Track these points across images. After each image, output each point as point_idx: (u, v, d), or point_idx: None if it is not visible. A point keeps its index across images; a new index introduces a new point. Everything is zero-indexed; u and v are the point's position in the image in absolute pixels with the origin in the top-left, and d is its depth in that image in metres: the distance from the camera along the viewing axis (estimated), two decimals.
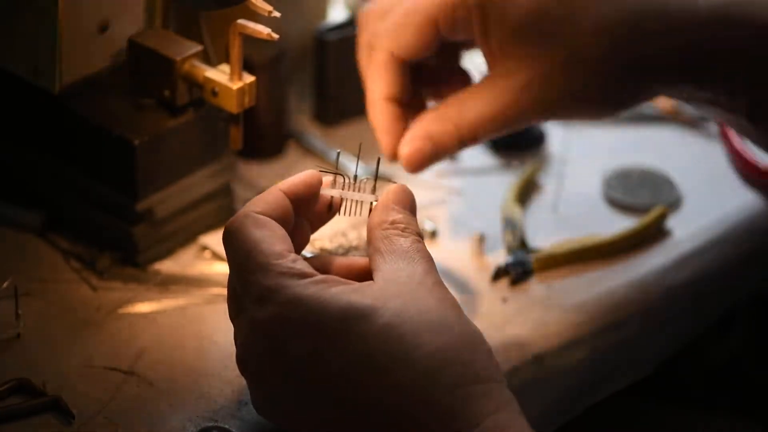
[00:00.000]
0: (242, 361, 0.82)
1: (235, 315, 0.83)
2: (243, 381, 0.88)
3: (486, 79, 0.95)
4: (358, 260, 0.88)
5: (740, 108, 0.94)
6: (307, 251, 0.92)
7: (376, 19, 0.99)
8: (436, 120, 0.96)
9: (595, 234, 1.06)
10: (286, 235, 0.82)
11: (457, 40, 0.98)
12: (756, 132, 0.96)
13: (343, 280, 0.80)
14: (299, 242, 0.87)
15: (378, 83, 0.99)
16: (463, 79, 1.02)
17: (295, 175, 0.86)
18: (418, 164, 0.97)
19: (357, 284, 0.80)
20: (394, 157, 1.00)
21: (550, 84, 0.93)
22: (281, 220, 0.83)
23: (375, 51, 0.98)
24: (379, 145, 1.00)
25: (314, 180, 0.86)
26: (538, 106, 0.94)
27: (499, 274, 1.02)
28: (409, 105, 1.00)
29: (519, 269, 1.02)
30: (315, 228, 0.89)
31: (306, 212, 0.87)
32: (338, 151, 0.93)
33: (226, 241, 0.82)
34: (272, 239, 0.81)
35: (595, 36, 0.92)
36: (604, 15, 0.92)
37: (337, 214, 0.88)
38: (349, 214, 0.88)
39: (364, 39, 1.01)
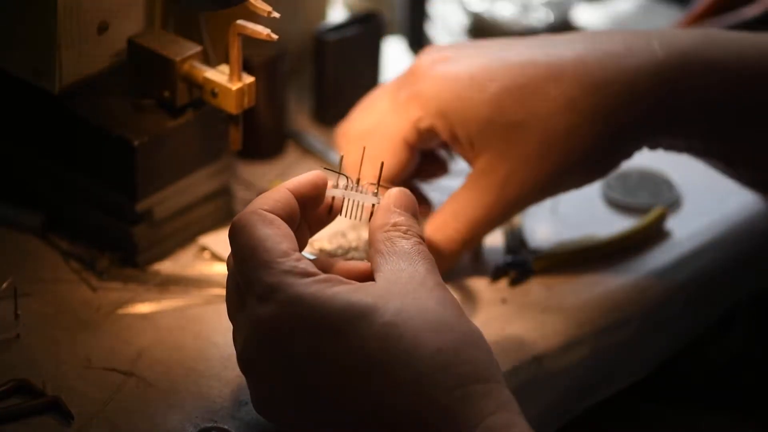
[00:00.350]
0: (243, 358, 0.82)
1: (235, 312, 0.84)
2: (242, 381, 0.88)
3: (470, 179, 0.98)
4: (359, 264, 0.88)
5: (715, 154, 0.99)
6: (307, 252, 0.92)
7: (354, 144, 1.00)
8: (436, 231, 0.99)
9: (595, 234, 1.06)
10: (292, 233, 0.83)
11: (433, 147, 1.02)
12: (737, 174, 1.00)
13: (345, 279, 0.80)
14: (299, 243, 0.87)
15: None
16: (438, 164, 1.06)
17: (302, 174, 0.86)
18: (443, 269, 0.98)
19: (358, 284, 0.81)
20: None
21: (529, 173, 0.96)
22: (288, 218, 0.83)
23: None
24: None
25: (320, 180, 0.86)
26: (525, 195, 0.97)
27: (498, 273, 1.02)
28: None
29: (519, 269, 1.02)
30: (314, 231, 0.89)
31: (308, 213, 0.87)
32: (341, 154, 0.93)
33: (233, 236, 0.83)
34: (278, 237, 0.81)
35: (562, 116, 0.95)
36: (565, 95, 0.94)
37: (339, 215, 0.88)
38: (350, 216, 0.88)
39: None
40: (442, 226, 0.99)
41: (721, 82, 0.95)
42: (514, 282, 1.02)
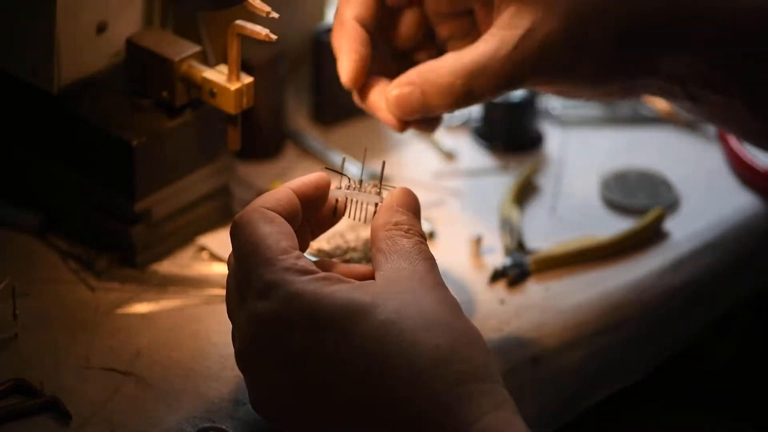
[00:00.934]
0: (241, 355, 0.82)
1: (234, 309, 0.84)
2: (241, 381, 0.88)
3: (483, 36, 0.91)
4: (358, 267, 0.88)
5: (735, 89, 0.91)
6: (307, 254, 0.92)
7: None
8: (431, 69, 0.92)
9: (593, 235, 1.06)
10: (293, 232, 0.83)
11: None
12: (753, 121, 0.93)
13: (344, 278, 0.80)
14: (300, 244, 0.88)
15: (350, 4, 0.94)
16: (431, 54, 0.99)
17: (305, 175, 0.86)
18: (407, 109, 0.92)
19: (358, 282, 0.81)
20: (352, 82, 0.95)
21: (550, 37, 0.89)
22: (289, 217, 0.83)
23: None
24: (339, 68, 0.95)
25: (323, 182, 0.87)
26: (535, 60, 0.90)
27: (496, 275, 1.02)
28: (375, 62, 0.96)
29: (517, 271, 1.02)
30: (316, 234, 0.90)
31: (311, 215, 0.87)
32: (343, 157, 0.93)
33: (234, 233, 0.83)
34: (279, 235, 0.81)
35: None
36: None
37: (346, 215, 0.89)
38: (354, 218, 0.88)
39: None
40: (438, 67, 0.92)
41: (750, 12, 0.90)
42: (512, 283, 1.02)
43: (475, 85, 0.91)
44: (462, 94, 0.91)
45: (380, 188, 0.88)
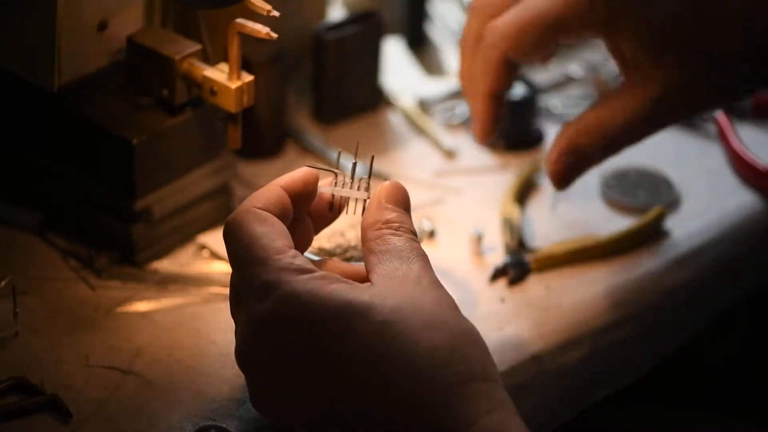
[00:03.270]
0: (241, 356, 0.82)
1: (235, 311, 0.84)
2: (241, 380, 0.88)
3: (624, 88, 0.97)
4: (357, 266, 0.88)
5: None
6: (309, 253, 0.92)
7: (491, 9, 1.00)
8: (581, 134, 0.98)
9: (594, 234, 1.06)
10: (287, 230, 0.82)
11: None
12: None
13: (341, 278, 0.80)
14: (302, 241, 0.88)
15: (487, 79, 1.00)
16: None
17: (293, 171, 0.86)
18: (569, 179, 0.99)
19: (355, 282, 0.81)
20: (484, 140, 1.03)
21: (693, 87, 0.94)
22: (281, 215, 0.83)
23: (488, 47, 0.99)
24: (474, 130, 1.03)
25: (311, 177, 0.86)
26: (681, 109, 0.96)
27: (497, 274, 1.02)
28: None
29: (517, 269, 1.02)
30: (319, 229, 0.90)
31: (305, 210, 0.87)
32: (339, 150, 0.93)
33: (227, 236, 0.82)
34: (273, 235, 0.81)
35: (733, 33, 0.93)
36: (741, 9, 0.93)
37: (344, 213, 0.88)
38: (355, 212, 0.88)
39: (473, 27, 1.01)
40: (587, 130, 0.97)
41: None
42: (513, 282, 1.02)
43: (625, 140, 0.98)
44: (614, 149, 0.98)
45: (368, 183, 0.88)
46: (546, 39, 0.97)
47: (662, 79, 0.94)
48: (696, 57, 0.94)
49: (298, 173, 0.86)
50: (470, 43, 1.02)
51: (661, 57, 0.94)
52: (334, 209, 0.88)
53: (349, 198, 0.88)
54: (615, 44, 0.97)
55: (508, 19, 0.98)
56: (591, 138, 0.97)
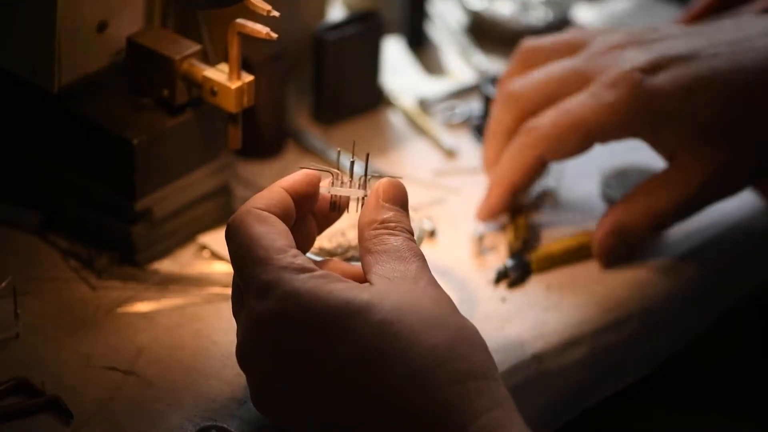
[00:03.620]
0: (241, 355, 0.82)
1: (237, 311, 0.84)
2: (242, 380, 0.88)
3: (667, 173, 1.01)
4: (357, 267, 0.88)
5: None
6: (311, 254, 0.92)
7: (527, 105, 1.03)
8: (627, 213, 1.02)
9: (590, 230, 1.05)
10: (288, 230, 0.83)
11: None
12: None
13: (341, 277, 0.80)
14: (305, 241, 0.88)
15: (516, 174, 1.04)
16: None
17: (295, 172, 0.86)
18: (615, 257, 1.03)
19: (355, 283, 0.81)
20: (487, 219, 1.06)
21: (735, 169, 1.00)
22: (283, 216, 0.83)
23: (525, 146, 1.02)
24: (482, 208, 1.06)
25: (313, 178, 0.86)
26: (721, 193, 1.02)
27: (500, 277, 1.02)
28: None
29: (519, 271, 1.02)
30: (322, 228, 0.90)
31: (308, 210, 0.87)
32: (338, 150, 0.92)
33: (229, 236, 0.83)
34: (273, 234, 0.81)
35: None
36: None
37: (347, 212, 0.88)
38: (357, 212, 0.88)
39: (506, 119, 1.04)
40: (633, 210, 1.02)
41: None
42: (513, 284, 1.02)
43: (668, 222, 1.03)
44: (658, 229, 1.04)
45: (365, 181, 0.88)
46: (585, 144, 1.02)
47: (707, 165, 0.99)
48: (737, 144, 0.99)
49: (300, 174, 0.86)
50: (501, 133, 1.05)
51: (705, 147, 0.99)
52: (336, 209, 0.88)
53: (349, 197, 0.88)
54: (656, 138, 1.01)
55: (548, 122, 1.01)
56: (638, 220, 1.02)
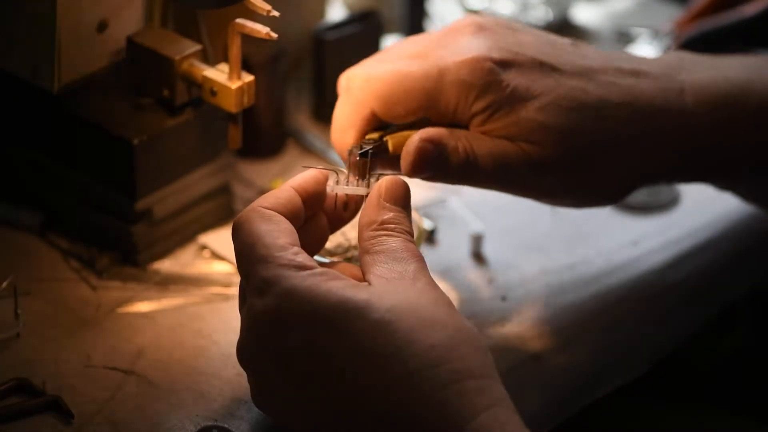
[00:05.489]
0: (242, 352, 0.82)
1: (242, 307, 0.84)
2: (243, 380, 0.89)
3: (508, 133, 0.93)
4: (357, 268, 0.88)
5: (728, 189, 1.00)
6: (319, 256, 0.92)
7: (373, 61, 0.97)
8: (449, 134, 0.93)
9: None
10: (293, 229, 0.83)
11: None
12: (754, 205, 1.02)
13: (341, 275, 0.81)
14: (316, 241, 0.88)
15: (350, 131, 0.94)
16: None
17: (305, 172, 0.87)
18: (423, 166, 0.92)
19: (354, 281, 0.81)
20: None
21: (553, 169, 0.93)
22: (290, 215, 0.84)
23: (357, 101, 0.94)
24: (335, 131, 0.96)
25: (322, 176, 0.87)
26: (551, 181, 0.94)
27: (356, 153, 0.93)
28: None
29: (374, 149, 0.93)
30: (335, 228, 0.90)
31: (318, 210, 0.88)
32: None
33: (234, 234, 0.83)
34: (276, 233, 0.82)
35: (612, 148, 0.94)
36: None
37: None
38: None
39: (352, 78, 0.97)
40: (455, 134, 0.93)
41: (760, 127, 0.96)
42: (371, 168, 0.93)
43: (480, 166, 0.93)
44: (469, 169, 0.93)
45: (368, 179, 0.88)
46: (415, 107, 0.93)
47: (538, 151, 0.92)
48: (563, 152, 0.93)
49: (308, 173, 0.87)
50: (344, 85, 0.97)
51: (533, 144, 0.92)
52: (349, 208, 0.89)
53: (361, 196, 0.88)
54: (484, 122, 0.93)
55: (381, 75, 0.94)
56: (456, 142, 0.92)
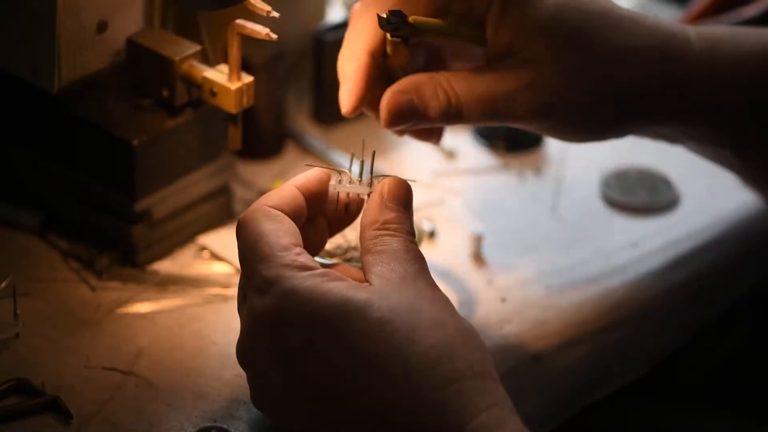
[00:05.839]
0: (241, 352, 0.82)
1: (241, 307, 0.84)
2: (242, 381, 0.89)
3: (487, 65, 0.92)
4: (358, 270, 0.88)
5: (725, 142, 0.96)
6: (320, 258, 0.92)
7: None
8: (427, 80, 0.92)
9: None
10: (296, 229, 0.83)
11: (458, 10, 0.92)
12: (743, 167, 0.98)
13: (342, 276, 0.81)
14: (315, 243, 0.88)
15: (364, 36, 0.93)
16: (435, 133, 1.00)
17: (308, 171, 0.87)
18: (399, 117, 0.91)
19: (354, 282, 0.81)
20: (352, 113, 0.94)
21: (551, 88, 0.91)
22: (293, 215, 0.84)
23: (369, 6, 0.93)
24: (342, 95, 0.94)
25: (325, 176, 0.87)
26: (531, 105, 0.91)
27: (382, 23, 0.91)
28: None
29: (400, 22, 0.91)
30: (335, 231, 0.90)
31: (319, 209, 0.88)
32: (351, 153, 0.93)
33: (238, 232, 0.84)
34: (280, 232, 0.82)
35: (610, 60, 0.92)
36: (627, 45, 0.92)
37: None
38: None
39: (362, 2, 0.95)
40: (434, 80, 0.91)
41: (741, 74, 0.94)
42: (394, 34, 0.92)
43: (465, 109, 0.91)
44: (453, 113, 0.91)
45: (371, 180, 0.88)
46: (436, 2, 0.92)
47: (526, 69, 0.91)
48: (572, 56, 0.91)
49: (312, 173, 0.87)
50: (356, 13, 0.96)
51: (536, 48, 0.91)
52: (350, 210, 0.89)
53: (362, 197, 0.88)
54: (499, 23, 0.92)
55: None
56: (435, 89, 0.91)
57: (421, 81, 0.92)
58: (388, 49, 0.92)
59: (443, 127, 1.00)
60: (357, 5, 0.95)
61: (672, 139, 0.99)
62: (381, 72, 0.94)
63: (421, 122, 0.92)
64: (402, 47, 0.91)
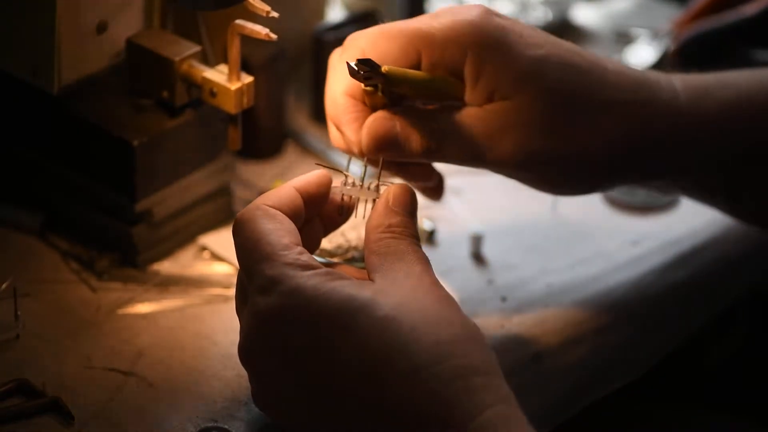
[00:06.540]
0: (244, 351, 0.82)
1: (240, 307, 0.84)
2: (243, 381, 0.89)
3: (466, 110, 0.90)
4: (360, 271, 0.88)
5: (718, 191, 0.96)
6: (314, 256, 0.92)
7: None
8: (409, 113, 0.90)
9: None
10: (295, 229, 0.83)
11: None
12: (737, 209, 0.99)
13: (345, 275, 0.81)
14: (310, 242, 0.88)
15: (343, 81, 0.91)
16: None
17: (308, 173, 0.87)
18: (379, 143, 0.90)
19: (358, 280, 0.81)
20: (342, 148, 0.93)
21: (535, 135, 0.90)
22: (292, 215, 0.84)
23: (343, 54, 0.92)
24: (331, 136, 0.94)
25: (325, 179, 0.87)
26: (514, 149, 0.90)
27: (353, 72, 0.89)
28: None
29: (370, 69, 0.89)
30: (328, 231, 0.90)
31: (317, 212, 0.88)
32: (350, 155, 0.92)
33: (236, 231, 0.83)
34: (281, 231, 0.82)
35: (599, 134, 0.91)
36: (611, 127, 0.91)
37: (354, 216, 0.89)
38: (364, 216, 0.88)
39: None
40: (417, 114, 0.90)
41: (730, 121, 0.94)
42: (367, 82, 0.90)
43: (445, 148, 0.90)
44: (433, 149, 0.90)
45: (378, 185, 0.88)
46: (406, 53, 0.90)
47: (519, 115, 0.89)
48: (555, 109, 0.90)
49: (312, 175, 0.87)
50: (335, 57, 0.94)
51: (522, 97, 0.89)
52: (343, 212, 0.89)
53: (357, 199, 0.88)
54: (477, 74, 0.90)
55: (372, 28, 0.92)
56: (416, 123, 0.89)
57: (404, 112, 0.90)
58: (364, 97, 0.90)
59: (442, 181, 0.99)
60: (336, 50, 0.94)
61: (664, 189, 0.98)
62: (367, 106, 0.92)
63: (402, 153, 0.90)
64: (377, 95, 0.89)
